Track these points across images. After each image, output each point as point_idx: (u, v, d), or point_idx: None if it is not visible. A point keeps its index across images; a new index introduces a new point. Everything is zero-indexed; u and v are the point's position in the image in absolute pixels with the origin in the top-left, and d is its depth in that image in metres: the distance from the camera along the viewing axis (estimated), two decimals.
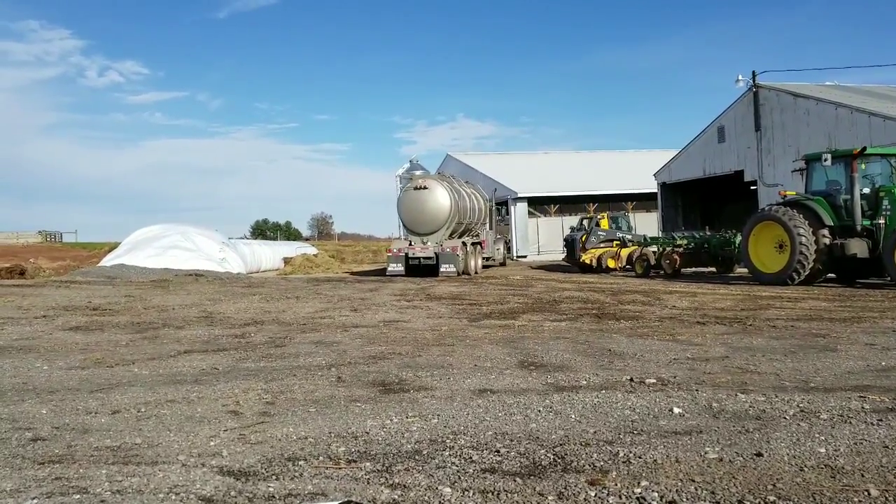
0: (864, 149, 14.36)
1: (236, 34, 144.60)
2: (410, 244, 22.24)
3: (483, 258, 25.34)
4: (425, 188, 22.47)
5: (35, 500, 2.53)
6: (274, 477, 2.84)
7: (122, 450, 3.24)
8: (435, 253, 21.59)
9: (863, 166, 14.13)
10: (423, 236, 22.19)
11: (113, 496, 2.58)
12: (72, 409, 4.09)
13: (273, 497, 2.61)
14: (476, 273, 22.86)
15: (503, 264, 28.07)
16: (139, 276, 18.23)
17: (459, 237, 23.37)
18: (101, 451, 3.21)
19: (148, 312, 9.93)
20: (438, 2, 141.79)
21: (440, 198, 22.28)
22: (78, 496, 2.58)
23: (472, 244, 23.61)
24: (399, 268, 21.78)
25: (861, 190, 13.91)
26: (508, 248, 37.54)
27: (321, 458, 3.11)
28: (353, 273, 25.54)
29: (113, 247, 25.71)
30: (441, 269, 21.16)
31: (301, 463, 3.03)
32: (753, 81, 26.06)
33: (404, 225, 22.89)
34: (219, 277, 19.05)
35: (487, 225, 27.15)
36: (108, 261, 21.41)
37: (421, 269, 21.92)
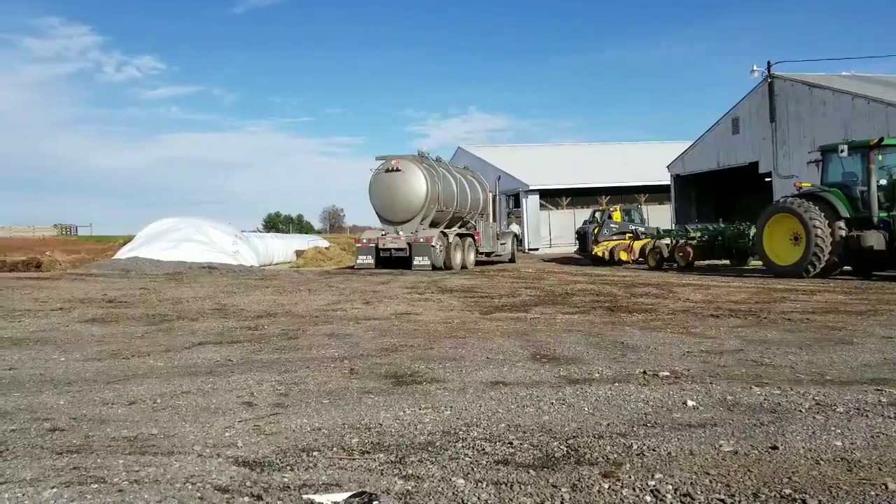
0: (881, 140, 14.16)
1: (252, 29, 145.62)
2: (384, 234, 20.14)
3: (481, 252, 23.01)
4: (398, 170, 19.92)
5: (54, 490, 2.57)
6: (288, 467, 2.86)
7: (139, 440, 3.28)
8: (408, 244, 19.36)
9: (880, 157, 13.94)
10: (397, 225, 19.96)
11: (130, 486, 2.61)
12: (89, 400, 4.14)
13: (288, 487, 2.63)
14: (465, 268, 20.65)
15: (512, 260, 25.25)
16: (153, 269, 18.39)
17: (447, 228, 21.04)
18: (118, 442, 3.25)
19: (162, 305, 10.02)
20: None
21: (414, 182, 19.80)
22: (96, 486, 2.61)
23: (460, 236, 21.25)
24: (368, 260, 19.78)
25: (878, 181, 13.74)
26: (520, 241, 37.32)
27: (335, 449, 3.13)
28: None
29: (127, 240, 25.94)
30: (414, 262, 19.09)
31: (315, 454, 3.05)
32: (768, 72, 25.74)
33: (376, 212, 20.66)
34: (232, 270, 19.17)
35: (491, 217, 24.64)
36: (123, 254, 21.61)
37: (393, 261, 19.93)
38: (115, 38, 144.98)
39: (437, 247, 19.39)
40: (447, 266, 19.91)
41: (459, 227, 22.27)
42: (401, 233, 19.84)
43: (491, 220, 24.66)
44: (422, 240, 19.26)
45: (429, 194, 19.87)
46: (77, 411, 3.87)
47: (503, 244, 24.97)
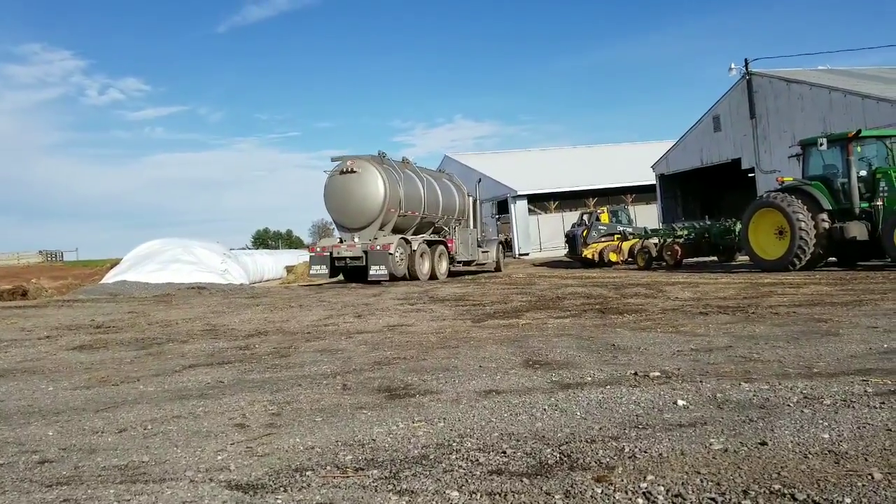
0: (860, 131, 14.41)
1: (235, 47, 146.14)
2: (341, 241, 18.88)
3: (459, 261, 21.69)
4: (354, 172, 18.45)
5: None
6: (282, 489, 2.85)
7: (130, 468, 3.26)
8: (364, 251, 18.00)
9: (858, 149, 14.17)
10: (355, 232, 18.57)
11: None
12: (78, 430, 4.10)
13: None
14: (435, 278, 19.32)
15: (497, 269, 23.81)
16: (142, 292, 18.25)
17: (415, 234, 19.74)
18: (109, 471, 3.22)
19: (151, 328, 9.94)
20: (433, 4, 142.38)
21: (371, 184, 18.34)
22: None
23: (429, 243, 19.90)
24: (323, 270, 18.55)
25: (858, 173, 13.96)
26: (510, 247, 37.31)
27: (328, 467, 3.12)
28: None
29: (114, 263, 25.76)
30: (370, 272, 17.77)
31: (308, 473, 3.04)
32: (746, 69, 26.11)
33: (332, 218, 19.50)
34: (221, 289, 19.06)
35: (471, 223, 23.28)
36: (110, 278, 21.45)
37: (350, 271, 18.84)
38: (97, 61, 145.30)
39: (397, 255, 18.04)
40: (412, 276, 18.53)
41: (432, 234, 20.95)
42: (356, 240, 18.42)
43: (471, 226, 23.31)
44: (378, 247, 17.82)
45: (387, 197, 18.38)
46: (66, 441, 3.84)
47: (485, 252, 23.57)
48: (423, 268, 19.12)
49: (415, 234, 20.03)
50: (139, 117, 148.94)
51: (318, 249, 18.99)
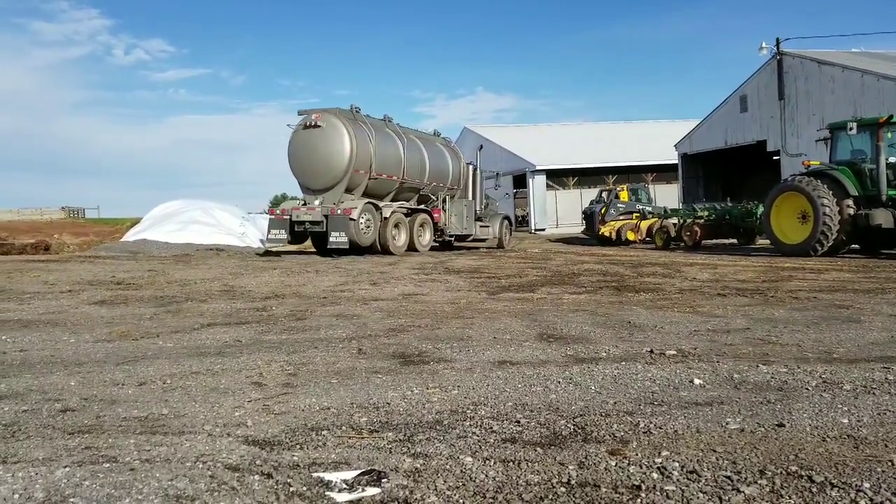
0: (891, 117, 14.02)
1: (260, 11, 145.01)
2: (305, 204, 17.00)
3: (450, 235, 20.01)
4: (318, 126, 16.45)
5: (66, 469, 2.60)
6: (298, 446, 2.89)
7: (150, 420, 3.32)
8: (324, 216, 16.19)
9: (889, 135, 13.83)
10: (319, 194, 16.77)
11: (142, 465, 2.65)
12: (99, 381, 4.18)
13: (297, 465, 2.66)
14: (414, 251, 17.82)
15: (500, 246, 21.90)
16: (161, 251, 18.47)
17: (393, 200, 18.08)
18: (129, 422, 3.29)
19: (171, 286, 10.07)
20: None
21: (336, 140, 16.30)
22: (108, 465, 2.64)
23: (409, 211, 18.20)
24: (282, 235, 16.80)
25: (887, 159, 13.63)
26: (526, 222, 37.08)
27: (344, 427, 3.15)
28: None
29: (135, 222, 26.02)
30: (330, 239, 16.04)
31: (324, 433, 3.07)
32: (777, 49, 25.44)
33: (296, 178, 17.53)
34: (239, 252, 19.23)
35: (469, 194, 21.37)
36: (131, 236, 21.71)
37: (314, 239, 17.47)
38: (123, 21, 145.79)
39: (361, 221, 16.17)
40: (383, 248, 16.90)
41: (417, 203, 19.16)
42: (317, 203, 16.68)
43: (469, 197, 21.43)
44: (339, 212, 15.97)
45: (354, 156, 16.37)
46: (88, 392, 3.91)
47: (485, 226, 21.58)
48: (398, 239, 17.39)
49: (393, 200, 18.27)
50: (163, 78, 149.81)
51: (278, 212, 17.16)
